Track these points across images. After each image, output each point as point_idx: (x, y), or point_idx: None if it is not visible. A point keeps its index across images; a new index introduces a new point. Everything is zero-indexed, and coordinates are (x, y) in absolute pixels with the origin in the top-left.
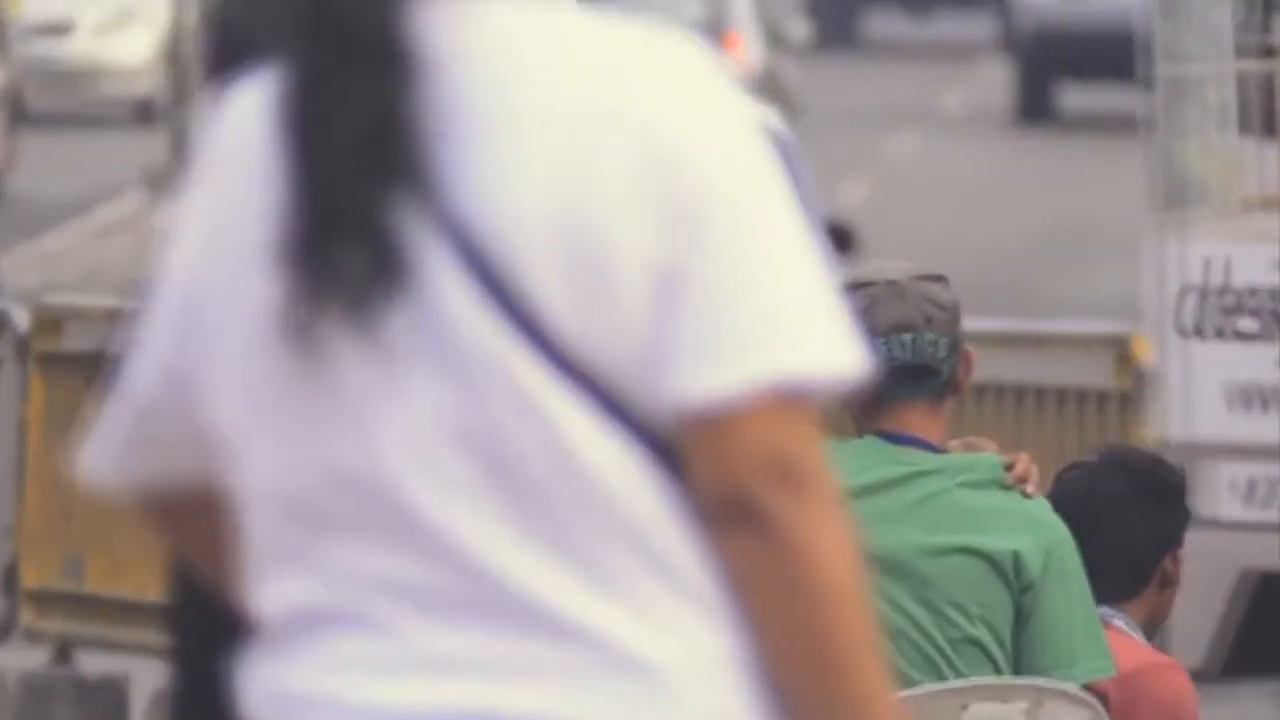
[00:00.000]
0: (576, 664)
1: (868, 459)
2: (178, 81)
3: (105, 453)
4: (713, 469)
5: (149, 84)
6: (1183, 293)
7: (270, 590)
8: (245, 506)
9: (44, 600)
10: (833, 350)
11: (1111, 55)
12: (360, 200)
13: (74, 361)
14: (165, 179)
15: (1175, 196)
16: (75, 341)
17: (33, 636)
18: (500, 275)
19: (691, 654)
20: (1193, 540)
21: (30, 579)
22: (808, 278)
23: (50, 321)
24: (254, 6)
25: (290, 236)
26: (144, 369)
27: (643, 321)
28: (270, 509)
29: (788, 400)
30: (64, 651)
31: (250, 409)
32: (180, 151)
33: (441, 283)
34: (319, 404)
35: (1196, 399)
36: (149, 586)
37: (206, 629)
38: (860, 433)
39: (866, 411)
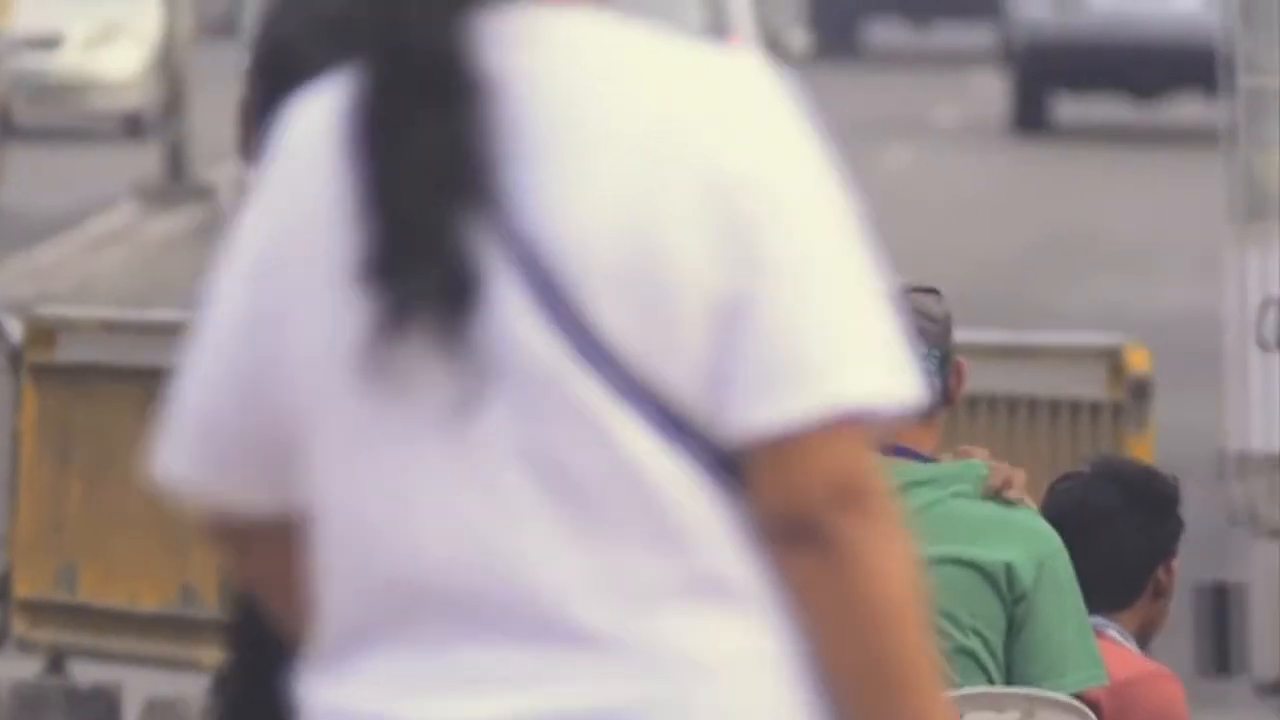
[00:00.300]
0: (627, 671)
1: None
2: (170, 94)
3: (183, 459)
4: (777, 491)
5: (138, 97)
6: (1264, 306)
7: (326, 606)
8: (311, 521)
9: (37, 610)
10: (894, 378)
11: (1106, 67)
12: (431, 222)
13: (66, 372)
14: (158, 191)
15: (1257, 209)
16: (68, 352)
17: (26, 646)
18: (562, 295)
19: (739, 661)
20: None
21: (23, 589)
22: (869, 306)
23: (43, 333)
24: (312, 27)
25: (363, 258)
26: (212, 381)
27: (703, 346)
28: (331, 523)
29: (851, 424)
30: (57, 661)
31: (318, 423)
32: (173, 163)
33: (506, 302)
34: (382, 420)
35: (1278, 412)
36: (141, 596)
37: (264, 648)
38: None
39: None
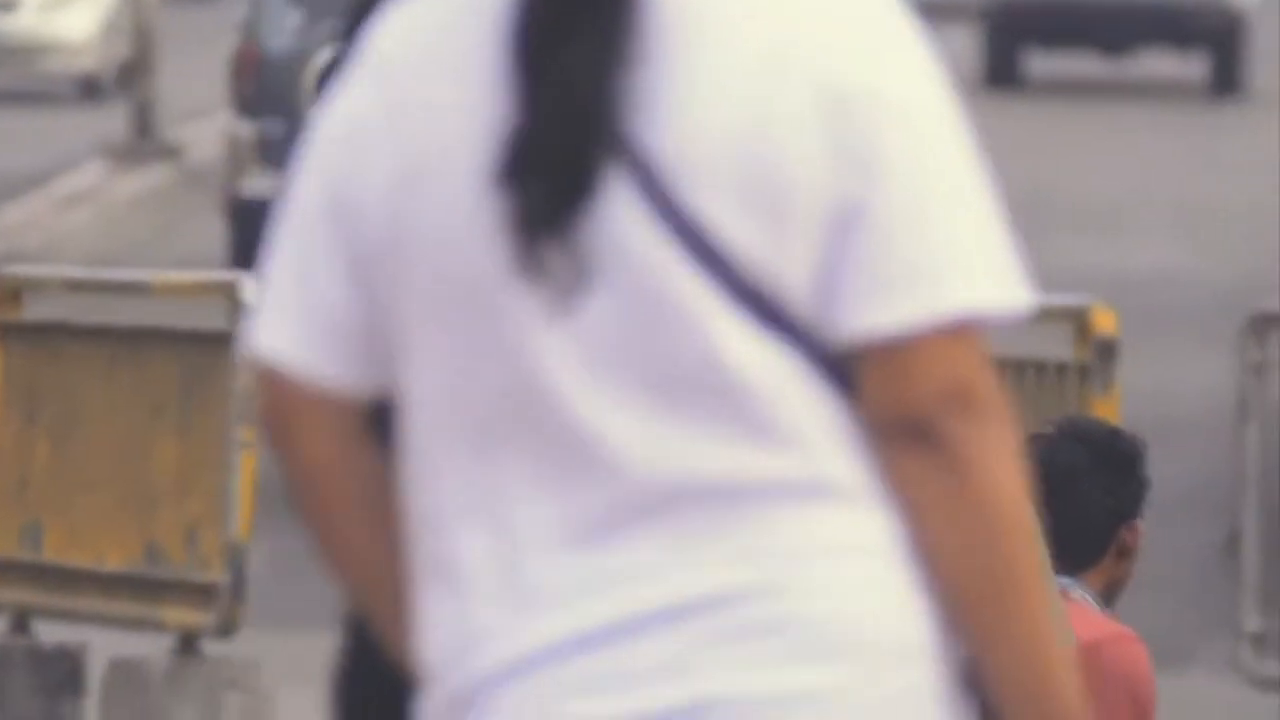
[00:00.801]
0: (720, 559)
1: None
2: (137, 53)
3: (287, 337)
4: (890, 394)
5: (94, 60)
6: None
7: (424, 494)
8: (408, 416)
9: (1, 570)
10: (1006, 284)
11: (1078, 22)
12: (567, 129)
13: (33, 331)
14: (125, 151)
15: None
16: (34, 311)
17: None
18: (671, 197)
19: (839, 551)
20: None
21: None
22: (982, 213)
23: (9, 291)
24: None
25: (501, 157)
26: (318, 256)
27: (816, 249)
28: (432, 419)
29: (964, 330)
30: (21, 621)
31: (431, 308)
32: (140, 123)
33: (616, 203)
34: (496, 313)
35: None
36: (107, 555)
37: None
38: None
39: None
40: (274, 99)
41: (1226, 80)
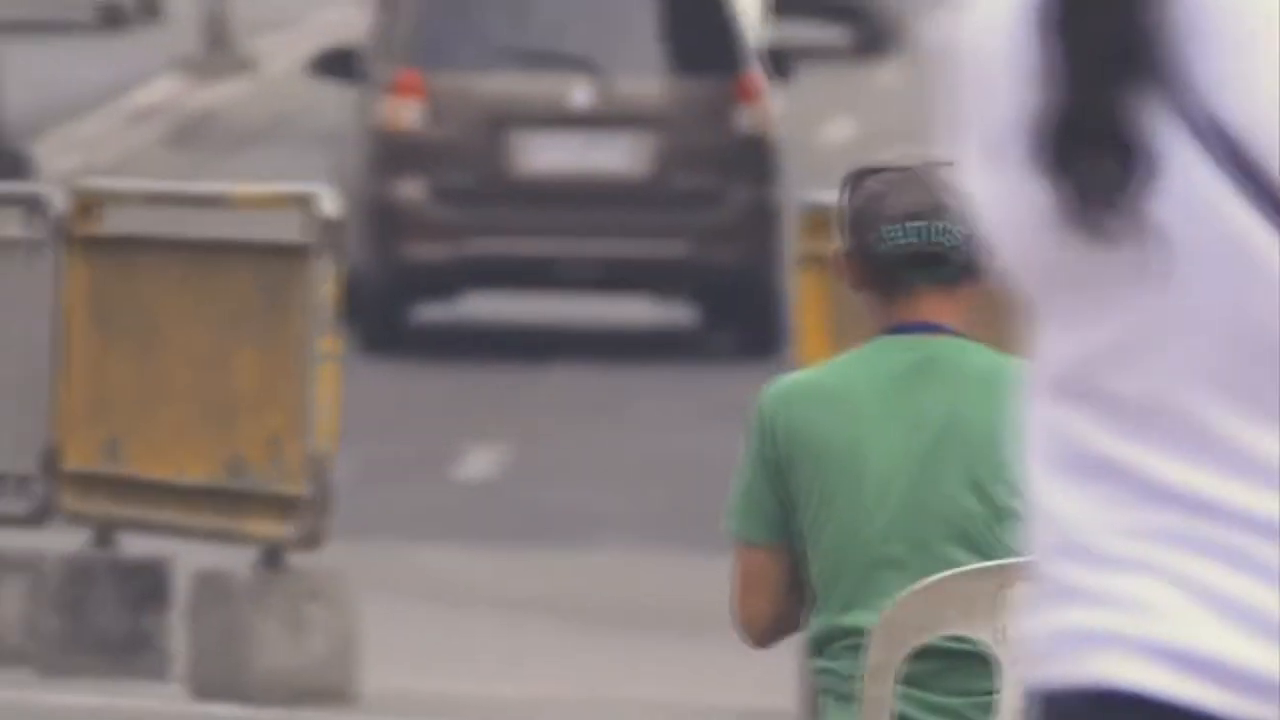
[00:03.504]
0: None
1: (891, 348)
2: None
3: None
4: None
5: None
6: None
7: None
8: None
9: (85, 483)
10: None
11: None
12: (1110, 98)
13: (112, 244)
14: (198, 64)
15: None
16: (114, 224)
17: (75, 519)
18: (1252, 162)
19: None
20: None
21: (71, 462)
22: None
23: (89, 204)
24: None
25: (1049, 135)
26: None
27: None
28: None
29: None
30: (105, 533)
31: (1019, 269)
32: (212, 36)
33: (1192, 172)
34: (1083, 263)
35: None
36: (187, 468)
37: None
38: (877, 321)
39: (883, 299)
40: None
41: None
